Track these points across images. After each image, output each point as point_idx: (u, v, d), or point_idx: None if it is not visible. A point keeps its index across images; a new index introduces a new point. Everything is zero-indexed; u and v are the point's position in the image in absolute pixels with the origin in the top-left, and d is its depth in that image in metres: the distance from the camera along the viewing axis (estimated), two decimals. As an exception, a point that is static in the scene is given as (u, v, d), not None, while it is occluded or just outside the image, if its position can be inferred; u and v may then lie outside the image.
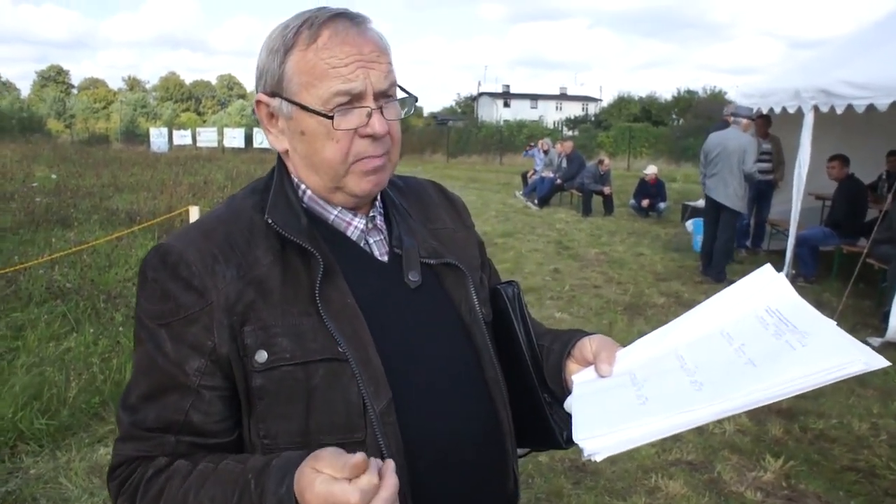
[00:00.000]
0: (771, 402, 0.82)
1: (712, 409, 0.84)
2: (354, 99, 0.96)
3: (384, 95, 0.98)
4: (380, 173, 1.02)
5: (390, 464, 0.83)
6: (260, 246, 0.99)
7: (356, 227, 1.06)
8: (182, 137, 34.56)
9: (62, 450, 3.56)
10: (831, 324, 0.87)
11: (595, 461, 0.87)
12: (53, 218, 9.71)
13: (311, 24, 0.95)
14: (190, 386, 0.95)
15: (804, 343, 0.84)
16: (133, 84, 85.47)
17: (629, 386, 0.97)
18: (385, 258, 1.07)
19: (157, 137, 34.46)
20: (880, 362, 0.78)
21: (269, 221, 0.99)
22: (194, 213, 5.51)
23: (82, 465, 3.40)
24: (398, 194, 1.18)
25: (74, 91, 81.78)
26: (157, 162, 22.06)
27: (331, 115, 0.95)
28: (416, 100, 1.06)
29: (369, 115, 0.96)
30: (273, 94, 1.00)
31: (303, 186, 1.06)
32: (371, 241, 1.08)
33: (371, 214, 1.08)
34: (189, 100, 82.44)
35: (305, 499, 0.80)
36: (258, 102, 1.03)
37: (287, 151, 1.05)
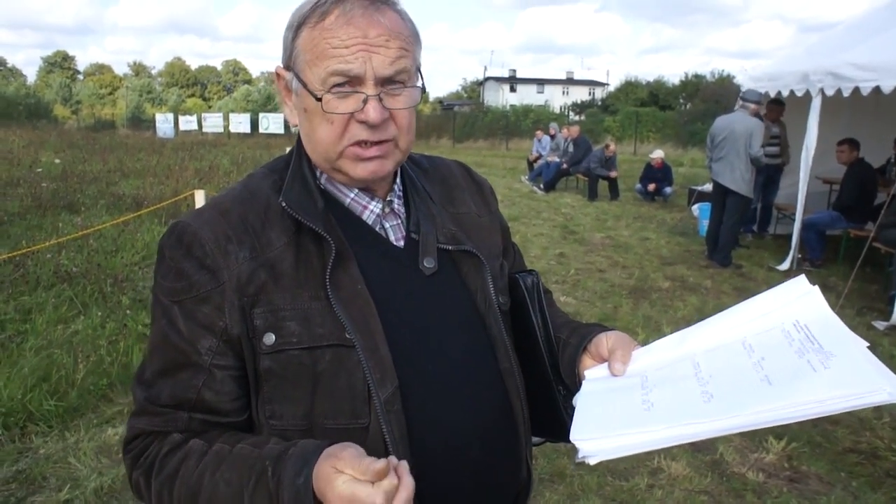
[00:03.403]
0: (779, 423, 0.78)
1: (715, 424, 0.81)
2: (352, 82, 0.93)
3: (390, 81, 0.95)
4: (377, 161, 0.98)
5: (405, 464, 0.83)
6: (275, 228, 0.98)
7: (372, 211, 1.05)
8: (188, 123, 34.58)
9: (71, 430, 3.61)
10: (861, 345, 0.83)
11: (589, 464, 0.86)
12: (60, 203, 9.75)
13: (325, 3, 0.94)
14: (202, 365, 0.95)
15: (826, 365, 0.80)
16: (139, 70, 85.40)
17: (638, 389, 0.94)
18: (401, 243, 1.06)
19: (163, 123, 34.49)
20: None
21: (283, 205, 0.98)
22: (200, 197, 5.52)
23: (91, 445, 3.45)
24: (422, 176, 1.16)
25: (80, 77, 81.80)
26: (162, 147, 22.06)
27: (320, 96, 0.94)
28: (424, 90, 1.02)
29: (365, 101, 0.93)
30: (287, 68, 1.00)
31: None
32: (387, 225, 1.06)
33: (388, 199, 1.07)
34: (195, 85, 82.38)
35: (327, 497, 0.81)
36: (277, 75, 1.04)
37: (297, 126, 1.05)
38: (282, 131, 30.89)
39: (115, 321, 4.89)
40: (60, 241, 6.64)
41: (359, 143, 0.97)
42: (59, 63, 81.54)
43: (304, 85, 0.96)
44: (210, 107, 61.88)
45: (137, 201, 10.06)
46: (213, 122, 34.32)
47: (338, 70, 0.92)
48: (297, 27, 0.96)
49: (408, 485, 0.81)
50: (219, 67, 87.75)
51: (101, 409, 3.86)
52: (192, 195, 5.93)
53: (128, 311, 5.07)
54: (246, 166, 15.24)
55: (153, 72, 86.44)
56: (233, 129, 32.93)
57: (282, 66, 1.02)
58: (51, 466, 3.27)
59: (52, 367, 4.01)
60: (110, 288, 5.59)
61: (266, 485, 0.86)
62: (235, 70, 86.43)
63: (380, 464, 0.79)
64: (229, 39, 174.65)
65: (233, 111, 39.97)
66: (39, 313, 4.95)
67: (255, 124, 32.67)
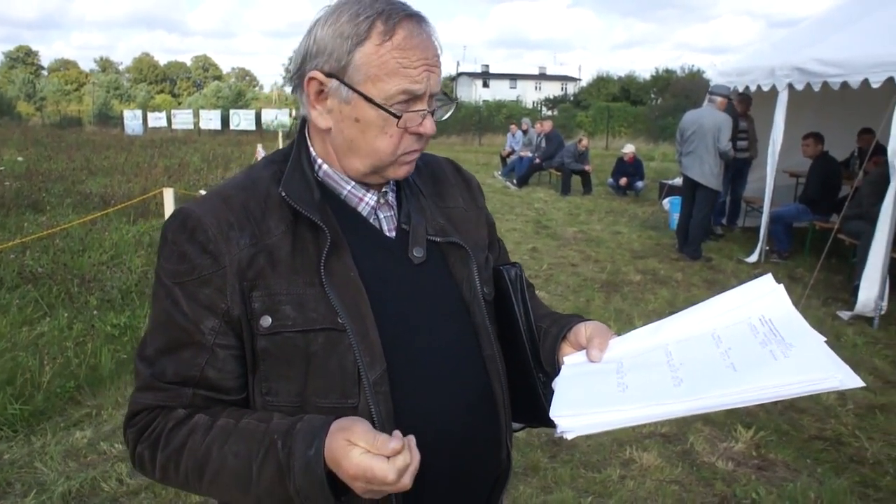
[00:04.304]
0: (742, 405, 0.86)
1: (685, 404, 0.89)
2: (414, 99, 1.01)
3: (435, 97, 1.04)
4: (413, 163, 1.09)
5: (412, 439, 0.90)
6: (274, 216, 1.03)
7: (367, 202, 1.10)
8: (157, 120, 33.99)
9: (37, 434, 3.53)
10: (819, 339, 0.91)
11: (567, 439, 0.91)
12: (24, 202, 9.53)
13: (387, 20, 0.98)
14: (205, 344, 1.00)
15: (787, 354, 0.88)
16: (105, 65, 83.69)
17: (614, 373, 1.01)
18: (393, 234, 1.11)
19: (132, 120, 33.84)
20: (855, 382, 0.83)
21: (283, 194, 1.03)
22: (168, 196, 5.43)
23: (58, 448, 3.38)
24: (414, 172, 1.21)
25: (44, 73, 79.90)
26: (131, 145, 21.69)
27: (399, 114, 1.00)
28: (456, 103, 1.13)
29: (424, 117, 1.02)
30: (330, 76, 1.01)
31: (319, 161, 1.09)
32: (381, 216, 1.12)
33: (383, 191, 1.12)
34: (163, 81, 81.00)
35: (342, 466, 0.87)
36: (310, 78, 1.03)
37: (329, 130, 1.06)
38: (253, 128, 30.52)
39: (83, 322, 4.80)
40: (25, 241, 6.49)
41: (408, 151, 1.06)
42: (22, 58, 79.54)
43: (370, 100, 0.99)
44: (180, 103, 60.78)
45: (105, 200, 9.88)
46: (182, 119, 33.76)
47: (409, 90, 0.99)
48: (356, 41, 0.98)
49: (415, 459, 0.88)
50: (188, 63, 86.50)
51: (69, 412, 3.79)
52: (161, 193, 5.83)
53: (95, 312, 4.98)
54: (216, 163, 14.99)
55: (121, 67, 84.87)
56: (203, 125, 32.48)
57: (320, 72, 1.01)
58: (16, 472, 3.20)
59: (16, 369, 3.93)
60: (77, 288, 5.48)
61: (276, 456, 0.91)
62: (205, 66, 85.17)
63: (395, 442, 0.86)
64: (199, 34, 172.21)
65: (203, 108, 39.40)
66: (3, 315, 4.84)
67: (225, 121, 32.24)
